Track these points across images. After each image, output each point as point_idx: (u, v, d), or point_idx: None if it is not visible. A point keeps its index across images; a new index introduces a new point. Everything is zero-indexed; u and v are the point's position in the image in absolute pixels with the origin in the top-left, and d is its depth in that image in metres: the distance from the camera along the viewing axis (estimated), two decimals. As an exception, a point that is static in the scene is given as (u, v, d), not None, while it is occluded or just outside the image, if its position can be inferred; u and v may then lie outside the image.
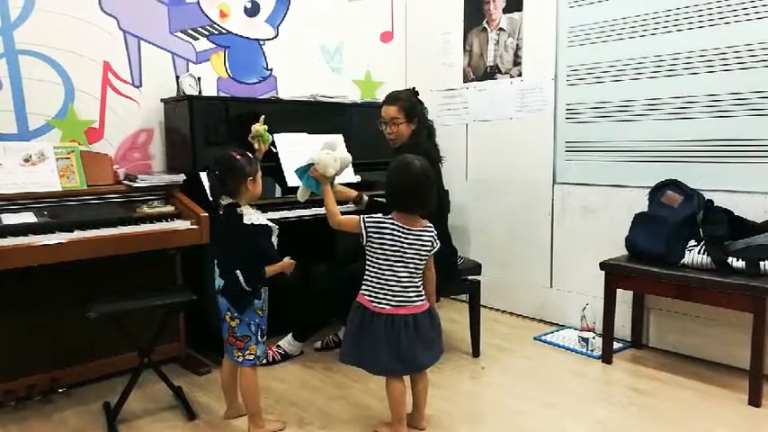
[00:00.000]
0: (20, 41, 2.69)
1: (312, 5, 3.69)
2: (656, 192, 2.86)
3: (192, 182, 2.80)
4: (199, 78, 3.05)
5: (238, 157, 2.11)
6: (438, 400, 2.46)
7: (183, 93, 2.97)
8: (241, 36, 3.43)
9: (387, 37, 4.11)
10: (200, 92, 3.03)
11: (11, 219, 2.33)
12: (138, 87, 3.07)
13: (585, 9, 3.20)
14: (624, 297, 3.01)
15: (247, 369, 2.17)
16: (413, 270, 2.11)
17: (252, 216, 2.11)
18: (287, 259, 2.19)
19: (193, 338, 2.99)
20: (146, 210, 2.65)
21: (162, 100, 3.10)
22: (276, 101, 3.40)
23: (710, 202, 2.73)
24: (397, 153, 2.64)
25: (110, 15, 2.94)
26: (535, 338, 3.25)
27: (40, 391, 2.47)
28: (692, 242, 2.67)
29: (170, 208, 2.70)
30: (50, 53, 2.78)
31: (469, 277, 3.00)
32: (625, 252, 2.90)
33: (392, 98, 2.78)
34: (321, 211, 2.58)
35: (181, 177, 2.80)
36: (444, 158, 2.84)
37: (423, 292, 2.16)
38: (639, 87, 3.03)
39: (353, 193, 2.83)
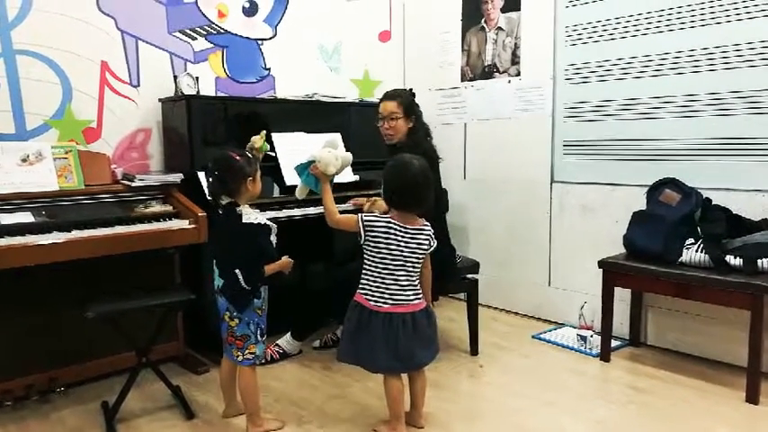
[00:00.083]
0: (17, 41, 2.69)
1: (310, 5, 3.69)
2: (655, 190, 2.86)
3: (190, 181, 2.80)
4: (197, 78, 3.05)
5: (238, 157, 2.11)
6: (436, 398, 2.46)
7: (181, 92, 2.96)
8: (239, 36, 3.43)
9: (385, 36, 4.11)
10: (198, 92, 3.03)
11: (8, 219, 2.33)
12: (135, 87, 3.06)
13: (583, 8, 3.20)
14: (622, 295, 3.01)
15: (246, 368, 2.17)
16: (410, 269, 2.11)
17: (251, 215, 2.11)
18: (285, 258, 2.19)
19: (192, 338, 2.99)
20: (143, 209, 2.65)
21: (160, 100, 3.10)
22: (274, 100, 3.39)
23: (708, 200, 2.74)
24: (393, 151, 2.64)
25: (107, 15, 2.94)
26: (533, 337, 3.25)
27: (38, 391, 2.46)
28: (690, 240, 2.68)
29: (168, 207, 2.70)
30: (48, 53, 2.77)
31: (468, 276, 3.00)
32: (623, 250, 2.90)
33: (391, 94, 2.82)
34: (318, 210, 2.58)
35: (179, 177, 2.79)
36: (441, 159, 2.84)
37: (420, 291, 2.16)
38: (637, 86, 3.03)
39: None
